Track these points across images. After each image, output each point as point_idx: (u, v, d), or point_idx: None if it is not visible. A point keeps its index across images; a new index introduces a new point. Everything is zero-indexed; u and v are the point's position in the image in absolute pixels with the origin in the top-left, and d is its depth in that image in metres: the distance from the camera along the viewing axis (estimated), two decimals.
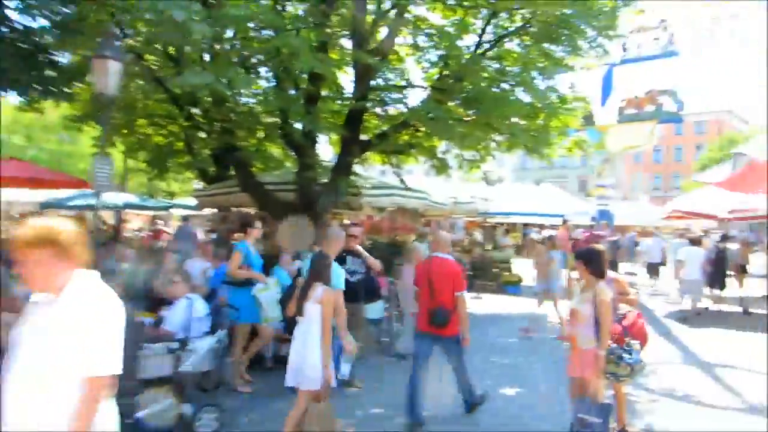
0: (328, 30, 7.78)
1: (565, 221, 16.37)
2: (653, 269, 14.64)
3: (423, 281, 5.46)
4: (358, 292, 6.57)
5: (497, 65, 10.53)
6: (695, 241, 12.86)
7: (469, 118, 10.17)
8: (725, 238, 13.84)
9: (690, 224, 27.28)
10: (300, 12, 8.63)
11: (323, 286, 4.49)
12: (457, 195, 14.84)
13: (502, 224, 19.61)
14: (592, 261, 4.58)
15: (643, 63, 21.05)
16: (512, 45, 10.71)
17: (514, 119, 10.17)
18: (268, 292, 6.40)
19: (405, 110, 10.09)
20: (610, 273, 5.05)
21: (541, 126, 11.43)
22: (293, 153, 10.61)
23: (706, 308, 12.41)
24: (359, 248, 7.19)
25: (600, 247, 5.28)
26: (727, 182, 8.56)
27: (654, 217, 26.52)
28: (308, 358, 4.30)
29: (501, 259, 15.31)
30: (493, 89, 9.53)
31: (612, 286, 4.95)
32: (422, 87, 10.26)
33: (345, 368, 6.10)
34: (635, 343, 4.70)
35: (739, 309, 11.96)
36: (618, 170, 20.17)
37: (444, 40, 9.82)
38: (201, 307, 5.10)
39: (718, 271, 12.69)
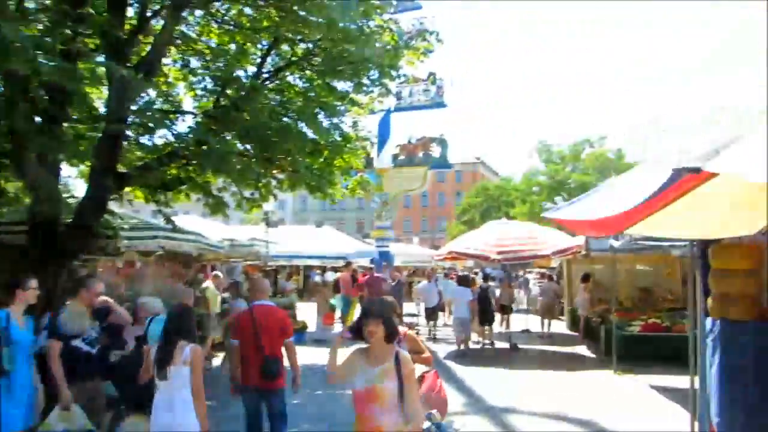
0: (69, 31, 6.24)
1: (348, 263, 16.15)
2: (431, 313, 14.62)
3: (248, 332, 5.02)
4: (95, 366, 5.05)
5: (279, 97, 9.90)
6: (462, 281, 13.42)
7: (247, 152, 9.28)
8: (487, 277, 14.81)
9: (454, 265, 29.52)
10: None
11: (190, 344, 4.08)
12: (235, 237, 13.65)
13: (284, 267, 18.77)
14: (387, 318, 3.46)
15: (415, 112, 22.41)
16: (295, 79, 10.21)
17: (297, 156, 9.50)
18: None
19: (173, 139, 8.82)
20: (400, 327, 4.41)
21: (324, 164, 11.06)
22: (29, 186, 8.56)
23: (482, 346, 13.03)
24: (112, 304, 5.71)
25: (390, 298, 4.68)
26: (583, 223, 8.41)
27: (425, 258, 28.09)
28: (184, 428, 3.91)
29: (284, 305, 14.37)
30: (275, 124, 8.78)
31: (403, 343, 4.32)
32: (193, 113, 9.08)
33: None
34: (435, 413, 3.95)
35: (507, 345, 12.64)
36: (393, 213, 20.72)
37: (224, 65, 8.87)
38: None
39: (484, 308, 13.40)
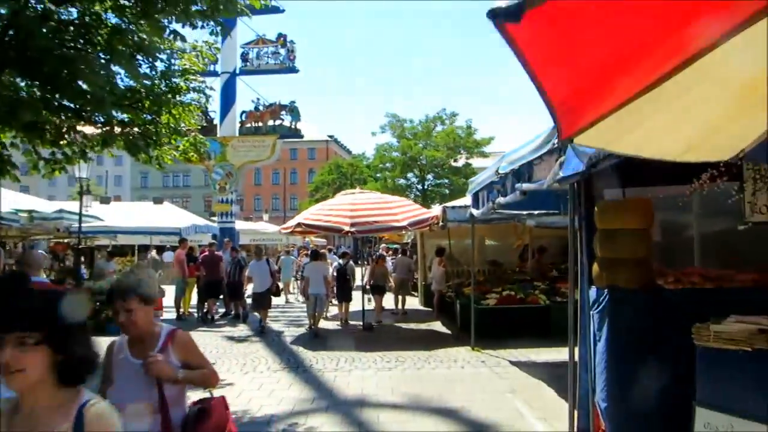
0: None
1: (182, 240, 14.22)
2: (261, 298, 11.74)
3: None
4: None
5: (83, 31, 7.89)
6: (316, 256, 12.41)
7: (32, 96, 7.24)
8: (345, 254, 13.85)
9: (306, 242, 28.33)
10: None
11: None
12: (36, 207, 11.20)
13: (106, 247, 16.24)
14: (61, 332, 1.61)
15: (264, 76, 20.70)
16: (107, 15, 8.24)
17: (107, 106, 7.61)
18: None
19: None
20: (164, 326, 2.71)
21: (148, 121, 9.30)
22: None
23: (341, 323, 12.10)
24: None
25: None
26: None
27: (276, 236, 26.55)
28: None
29: (101, 289, 12.17)
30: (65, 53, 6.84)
31: (170, 352, 2.62)
32: None
33: None
34: None
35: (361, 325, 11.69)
36: (239, 186, 18.98)
37: None
38: None
39: (342, 285, 12.65)
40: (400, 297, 13.93)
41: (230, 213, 19.01)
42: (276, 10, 18.79)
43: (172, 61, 9.40)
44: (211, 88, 10.27)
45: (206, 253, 13.19)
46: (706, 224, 5.23)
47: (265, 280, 11.58)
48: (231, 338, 10.61)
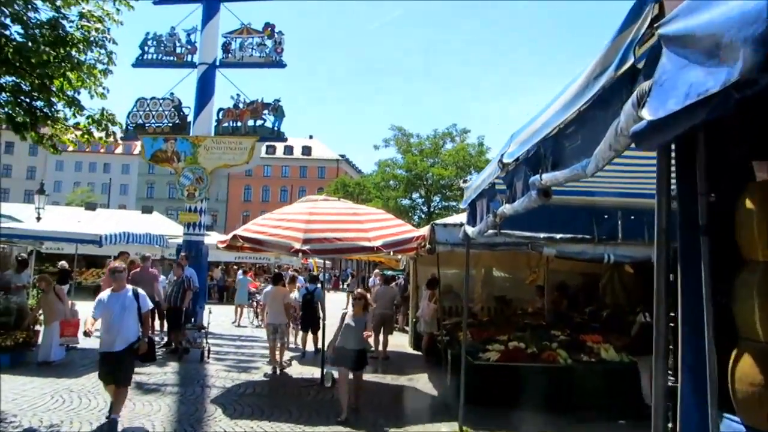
0: None
1: (122, 252, 11.55)
2: (115, 364, 5.19)
3: None
4: None
5: None
6: (278, 280, 9.97)
7: None
8: (315, 278, 11.26)
9: (291, 262, 25.70)
10: None
11: None
12: None
13: (32, 253, 13.66)
14: None
15: (246, 70, 18.28)
16: None
17: None
18: None
19: None
20: None
21: (36, 86, 6.98)
22: None
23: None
24: None
25: None
26: None
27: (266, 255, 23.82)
28: None
29: (3, 308, 9.52)
30: None
31: None
32: None
33: None
34: None
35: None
36: (212, 194, 16.39)
37: None
38: None
39: (308, 314, 10.72)
40: (381, 336, 11.08)
41: (200, 224, 16.42)
42: None
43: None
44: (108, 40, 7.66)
45: (137, 269, 10.48)
46: None
47: (124, 330, 5.85)
48: (138, 387, 7.80)
